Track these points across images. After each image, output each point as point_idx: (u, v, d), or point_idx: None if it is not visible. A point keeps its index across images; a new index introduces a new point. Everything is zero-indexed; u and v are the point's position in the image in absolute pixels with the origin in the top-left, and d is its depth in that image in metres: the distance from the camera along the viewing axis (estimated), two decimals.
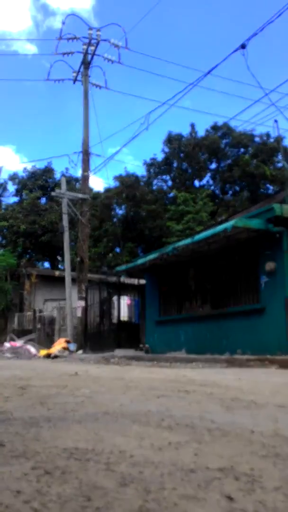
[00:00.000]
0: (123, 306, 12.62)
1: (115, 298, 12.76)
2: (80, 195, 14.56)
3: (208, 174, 26.01)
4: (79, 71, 15.50)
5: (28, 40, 51.85)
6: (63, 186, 15.18)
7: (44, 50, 50.34)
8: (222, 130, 24.50)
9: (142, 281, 12.30)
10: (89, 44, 14.96)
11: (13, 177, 27.71)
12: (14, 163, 54.34)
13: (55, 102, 52.97)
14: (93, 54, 15.18)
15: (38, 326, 16.90)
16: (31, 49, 48.03)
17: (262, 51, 45.15)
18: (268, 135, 23.94)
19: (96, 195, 25.43)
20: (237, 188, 25.13)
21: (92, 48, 15.03)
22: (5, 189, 27.72)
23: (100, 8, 53.36)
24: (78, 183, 22.83)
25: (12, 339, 15.37)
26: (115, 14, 52.27)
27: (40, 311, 17.43)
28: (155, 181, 26.53)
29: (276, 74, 40.87)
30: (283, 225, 7.20)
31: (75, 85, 15.82)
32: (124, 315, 12.64)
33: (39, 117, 55.11)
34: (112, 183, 24.44)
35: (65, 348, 11.97)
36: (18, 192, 27.95)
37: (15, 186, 27.97)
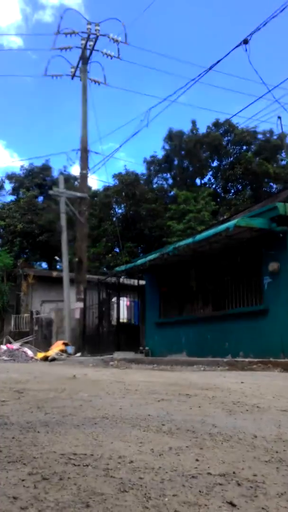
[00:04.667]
0: (123, 308, 12.58)
1: (114, 299, 12.72)
2: (78, 194, 14.48)
3: (210, 172, 25.88)
4: (77, 67, 15.28)
5: (20, 34, 51.56)
6: (61, 184, 15.11)
7: (33, 44, 50.21)
8: (224, 127, 24.32)
9: (142, 282, 12.26)
10: (88, 38, 14.75)
11: (10, 176, 27.64)
12: (9, 160, 54.18)
13: (51, 99, 52.90)
14: (92, 49, 14.96)
15: (35, 328, 16.86)
16: (17, 42, 48.03)
17: (265, 46, 44.99)
18: (271, 132, 23.66)
19: (95, 194, 25.38)
20: (239, 187, 25.00)
21: (91, 43, 14.84)
22: (1, 187, 27.67)
23: (91, 1, 53.29)
24: (76, 182, 22.82)
25: (9, 342, 15.32)
26: (106, 8, 52.18)
27: (37, 312, 17.37)
28: (155, 180, 26.43)
29: (279, 70, 40.71)
30: (287, 225, 7.14)
31: (73, 80, 15.59)
32: (124, 316, 12.60)
33: (33, 113, 54.97)
34: (111, 181, 24.35)
35: (63, 351, 11.94)
36: (15, 191, 27.87)
37: (12, 184, 27.89)
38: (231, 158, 24.71)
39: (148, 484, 1.12)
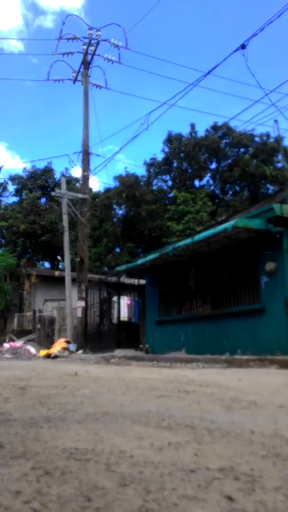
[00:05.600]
0: (123, 306, 12.61)
1: (115, 298, 12.76)
2: (80, 195, 14.56)
3: (208, 174, 25.99)
4: (79, 71, 15.51)
5: (22, 39, 51.86)
6: (63, 186, 15.16)
7: (34, 49, 50.65)
8: (222, 130, 24.49)
9: (142, 281, 12.29)
10: (89, 44, 14.96)
11: (13, 178, 27.71)
12: (12, 162, 54.37)
13: (53, 102, 52.98)
14: (93, 54, 15.17)
15: (38, 326, 16.89)
16: (18, 46, 48.00)
17: (262, 51, 45.21)
18: (268, 135, 23.99)
19: (96, 195, 25.40)
20: (237, 188, 25.13)
21: (92, 48, 15.03)
22: (5, 188, 27.72)
23: (90, 7, 53.45)
24: (78, 183, 22.83)
25: (12, 340, 15.37)
26: (106, 13, 52.41)
27: (40, 311, 17.41)
28: (155, 181, 26.53)
29: (276, 75, 40.95)
30: (283, 225, 7.20)
31: (74, 85, 15.84)
32: (124, 315, 12.63)
33: (35, 116, 55.13)
34: (112, 183, 24.44)
35: (65, 348, 11.96)
36: (18, 192, 27.95)
37: (15, 186, 27.97)
38: (229, 161, 24.83)
39: (148, 478, 1.13)
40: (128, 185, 23.62)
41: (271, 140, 23.57)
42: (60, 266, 26.16)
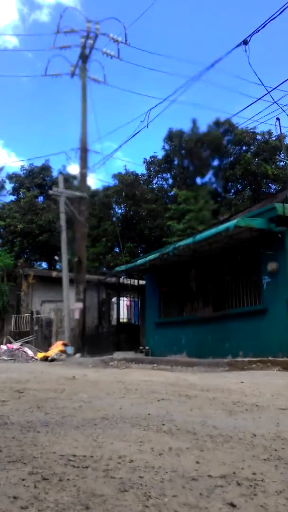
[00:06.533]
0: (123, 307, 12.58)
1: (114, 299, 12.72)
2: (78, 194, 14.45)
3: (211, 172, 25.92)
4: (77, 65, 15.16)
5: (18, 34, 51.50)
6: (61, 184, 15.07)
7: (29, 44, 50.09)
8: (224, 127, 24.44)
9: (142, 282, 12.25)
10: (87, 37, 14.67)
11: (11, 176, 27.64)
12: (9, 160, 54.08)
13: (50, 98, 52.72)
14: (92, 48, 14.88)
15: (36, 328, 16.85)
16: (13, 42, 47.80)
17: (265, 48, 45.18)
18: (270, 133, 23.89)
19: (94, 193, 25.36)
20: (239, 187, 25.11)
21: (91, 41, 14.76)
22: (2, 188, 27.63)
23: (87, 1, 53.35)
24: (75, 181, 22.80)
25: (9, 341, 15.32)
26: (103, 8, 52.14)
27: (38, 312, 17.37)
28: (155, 180, 26.51)
29: (278, 72, 40.87)
30: (285, 225, 7.15)
31: (72, 80, 15.43)
32: (124, 316, 12.61)
33: (31, 113, 54.90)
34: (111, 181, 24.37)
35: (62, 351, 11.93)
36: (15, 191, 27.85)
37: (12, 185, 27.88)
38: (231, 158, 24.80)
39: (148, 483, 1.12)
40: (127, 184, 23.60)
41: (273, 138, 23.54)
42: (57, 267, 26.13)
